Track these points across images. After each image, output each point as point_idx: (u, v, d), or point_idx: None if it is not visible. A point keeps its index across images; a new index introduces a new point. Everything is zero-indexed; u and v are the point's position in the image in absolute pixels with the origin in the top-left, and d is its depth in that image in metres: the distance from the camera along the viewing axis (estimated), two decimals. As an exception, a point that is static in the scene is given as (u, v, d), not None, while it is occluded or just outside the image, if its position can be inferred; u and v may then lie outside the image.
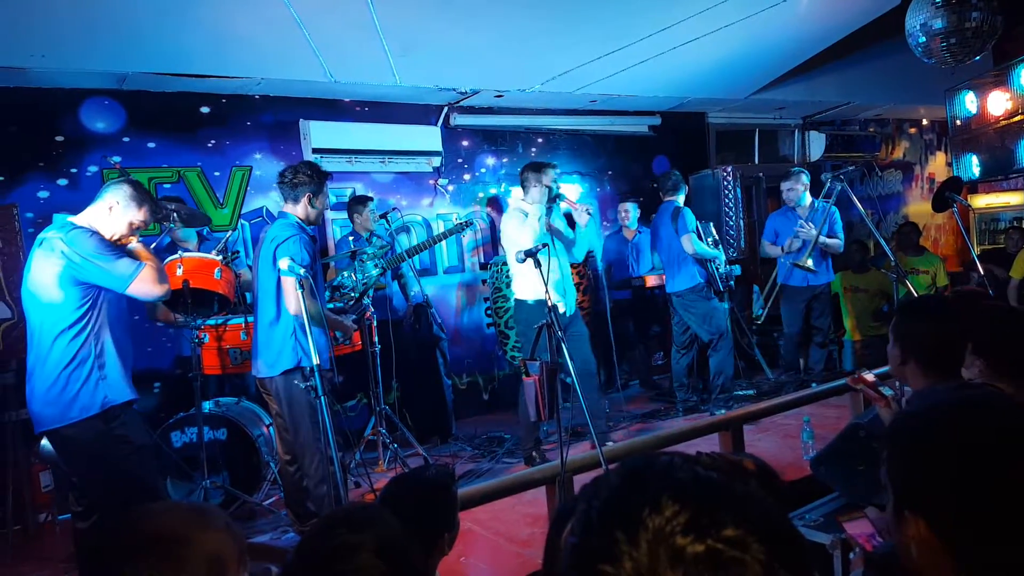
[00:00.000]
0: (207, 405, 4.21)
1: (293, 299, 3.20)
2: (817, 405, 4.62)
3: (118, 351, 2.94)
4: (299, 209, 3.53)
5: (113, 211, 2.93)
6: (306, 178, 3.50)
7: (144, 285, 2.86)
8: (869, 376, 2.42)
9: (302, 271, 3.10)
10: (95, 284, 2.83)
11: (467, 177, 6.52)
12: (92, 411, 2.83)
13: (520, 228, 4.43)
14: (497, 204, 6.51)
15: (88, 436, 2.83)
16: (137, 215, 2.97)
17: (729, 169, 6.73)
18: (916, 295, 5.05)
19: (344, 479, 3.34)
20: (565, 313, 4.49)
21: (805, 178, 5.97)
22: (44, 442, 3.11)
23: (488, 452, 5.00)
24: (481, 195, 6.59)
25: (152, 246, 4.39)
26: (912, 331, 2.08)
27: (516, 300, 4.62)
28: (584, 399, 4.12)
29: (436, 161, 6.16)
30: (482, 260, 6.49)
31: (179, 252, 3.90)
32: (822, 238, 5.62)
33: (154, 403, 4.91)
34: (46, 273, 2.79)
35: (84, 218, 2.93)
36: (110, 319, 2.94)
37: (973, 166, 5.61)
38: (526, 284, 4.45)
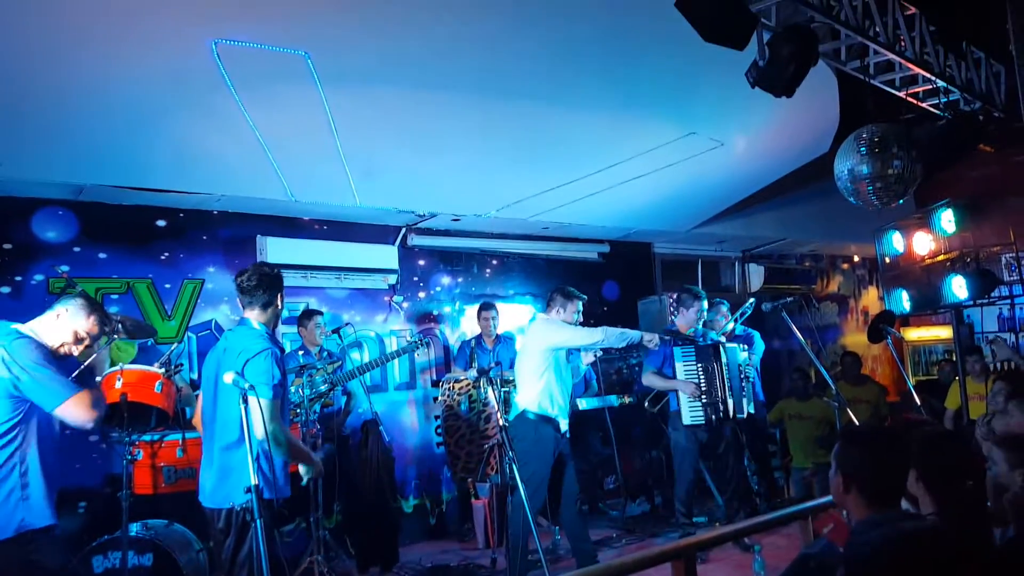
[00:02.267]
0: (134, 527, 3.96)
1: (261, 422, 2.87)
2: (767, 534, 4.57)
3: (43, 471, 2.77)
4: (265, 314, 3.19)
5: (60, 318, 2.88)
6: (270, 280, 3.20)
7: (74, 410, 2.72)
8: (845, 520, 2.35)
9: (246, 385, 2.82)
10: (28, 398, 2.71)
11: (422, 295, 6.60)
12: (5, 534, 2.64)
13: (562, 328, 4.62)
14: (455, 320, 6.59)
15: (1, 561, 2.63)
16: (84, 323, 2.90)
17: (675, 295, 6.96)
18: (857, 424, 5.18)
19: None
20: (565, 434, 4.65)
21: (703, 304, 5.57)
22: None
23: (432, 582, 4.77)
24: (436, 313, 6.65)
25: (92, 358, 4.31)
26: (853, 459, 2.10)
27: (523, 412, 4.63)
28: (566, 523, 4.26)
29: (392, 279, 6.24)
30: (434, 377, 6.45)
31: (119, 364, 3.81)
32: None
33: (79, 524, 4.58)
34: None
35: (30, 327, 2.86)
36: (39, 435, 2.79)
37: (903, 301, 5.92)
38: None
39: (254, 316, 3.20)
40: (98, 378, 3.72)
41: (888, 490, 2.07)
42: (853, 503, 2.08)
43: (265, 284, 3.18)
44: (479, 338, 6.17)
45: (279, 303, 3.26)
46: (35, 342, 2.78)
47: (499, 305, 6.40)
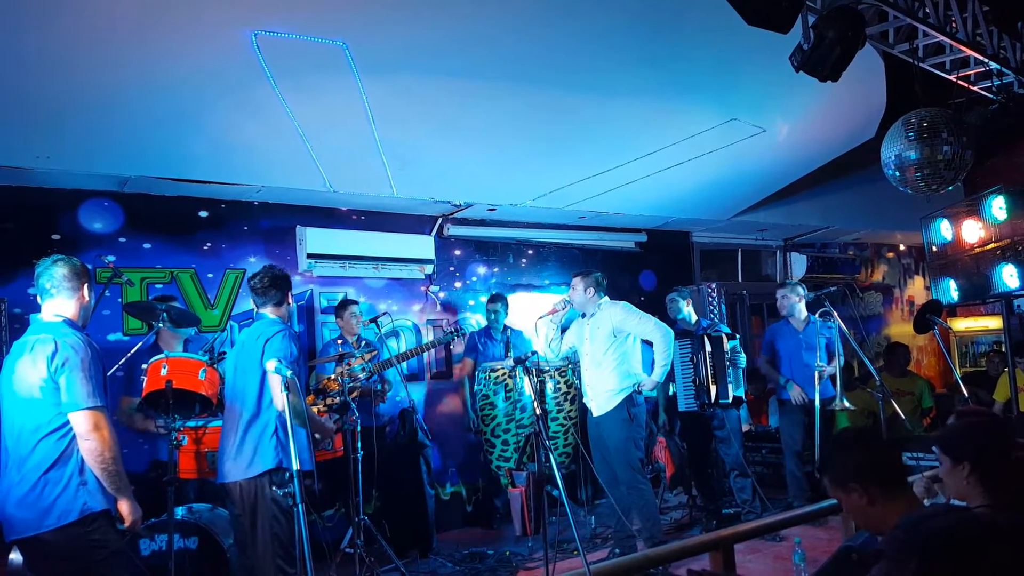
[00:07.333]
0: (179, 511, 4.05)
1: (278, 395, 3.12)
2: (808, 526, 4.51)
3: None
4: (279, 310, 3.61)
5: (84, 294, 2.94)
6: (280, 280, 3.62)
7: (82, 422, 2.71)
8: None
9: (289, 372, 3.03)
10: (58, 386, 2.73)
11: (458, 285, 6.62)
12: (71, 518, 2.72)
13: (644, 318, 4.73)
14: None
15: (64, 543, 2.72)
16: (90, 283, 3.00)
17: (714, 285, 6.89)
18: (903, 416, 5.07)
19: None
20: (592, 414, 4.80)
21: (801, 290, 5.98)
22: (13, 556, 2.94)
23: (470, 570, 4.80)
24: (471, 303, 6.67)
25: (138, 346, 4.42)
26: (858, 462, 2.04)
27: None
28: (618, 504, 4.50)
29: (428, 268, 6.27)
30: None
31: (164, 353, 3.91)
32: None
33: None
34: (38, 370, 2.73)
35: (66, 314, 2.88)
36: None
37: (951, 290, 5.74)
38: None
39: (268, 311, 3.60)
40: (157, 357, 3.85)
41: (896, 477, 2.03)
42: (876, 504, 2.01)
43: (276, 285, 3.57)
44: (488, 330, 6.16)
45: (288, 300, 3.68)
46: (83, 347, 2.78)
47: (521, 295, 6.49)
